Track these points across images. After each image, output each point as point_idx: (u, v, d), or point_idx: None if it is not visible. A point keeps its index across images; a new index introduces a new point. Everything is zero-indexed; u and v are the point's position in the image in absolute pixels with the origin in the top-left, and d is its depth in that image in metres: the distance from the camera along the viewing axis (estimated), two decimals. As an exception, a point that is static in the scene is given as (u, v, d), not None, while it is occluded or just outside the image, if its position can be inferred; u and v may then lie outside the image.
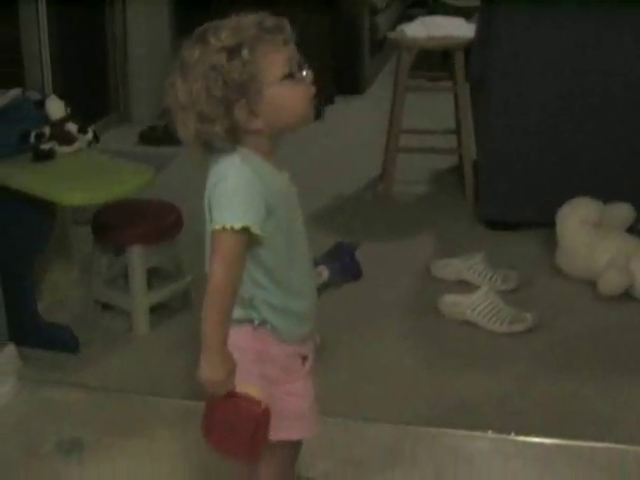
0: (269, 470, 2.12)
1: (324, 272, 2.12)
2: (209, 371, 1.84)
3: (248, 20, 1.85)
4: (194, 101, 1.83)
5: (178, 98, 1.85)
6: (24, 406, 3.05)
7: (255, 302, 1.97)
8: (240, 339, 1.97)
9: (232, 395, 1.88)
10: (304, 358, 2.07)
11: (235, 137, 1.86)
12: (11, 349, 3.15)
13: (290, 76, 1.86)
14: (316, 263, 2.13)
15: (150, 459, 2.76)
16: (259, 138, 1.89)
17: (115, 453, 2.79)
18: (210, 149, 1.90)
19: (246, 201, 1.83)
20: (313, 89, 1.90)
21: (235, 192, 1.84)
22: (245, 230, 1.81)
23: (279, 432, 2.01)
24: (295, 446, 2.17)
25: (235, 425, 1.91)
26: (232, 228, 1.80)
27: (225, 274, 1.83)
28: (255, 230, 1.82)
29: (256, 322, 1.98)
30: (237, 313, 1.96)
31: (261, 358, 2.00)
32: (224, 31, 1.84)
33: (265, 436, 1.92)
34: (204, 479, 2.68)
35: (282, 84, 1.85)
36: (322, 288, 2.11)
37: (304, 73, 1.89)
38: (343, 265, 2.11)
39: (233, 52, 1.81)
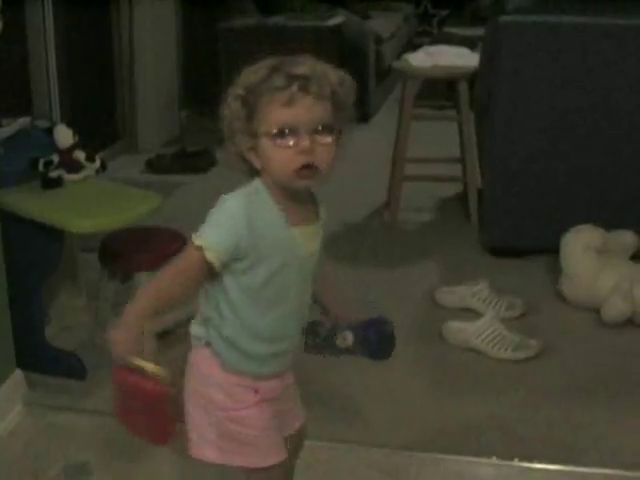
0: None
1: (348, 337, 2.08)
2: (113, 332, 1.91)
3: (265, 68, 1.88)
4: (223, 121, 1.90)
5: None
6: (31, 431, 3.06)
7: (208, 323, 2.01)
8: (192, 354, 2.06)
9: (132, 368, 1.90)
10: (255, 390, 2.04)
11: (247, 164, 1.90)
12: (18, 375, 3.17)
13: (279, 136, 1.82)
14: (348, 326, 2.10)
15: (157, 484, 2.78)
16: (269, 179, 1.90)
17: (122, 478, 2.80)
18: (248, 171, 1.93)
19: (218, 228, 1.86)
20: (303, 159, 1.83)
21: (217, 216, 1.87)
22: (199, 249, 1.85)
23: (226, 455, 2.05)
24: (274, 472, 2.10)
25: (131, 399, 1.94)
26: (192, 242, 1.86)
27: (168, 276, 1.93)
28: (209, 256, 1.85)
29: (203, 341, 2.02)
30: (194, 329, 2.05)
31: (205, 378, 2.02)
32: (243, 74, 1.89)
33: (165, 418, 1.94)
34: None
35: (269, 141, 1.84)
36: (344, 352, 2.10)
37: (299, 141, 1.82)
38: (365, 339, 2.06)
39: (244, 98, 1.86)
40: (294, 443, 2.21)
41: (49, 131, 3.46)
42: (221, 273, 1.91)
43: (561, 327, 3.81)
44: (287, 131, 1.82)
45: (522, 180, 4.38)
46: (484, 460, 2.90)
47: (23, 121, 3.48)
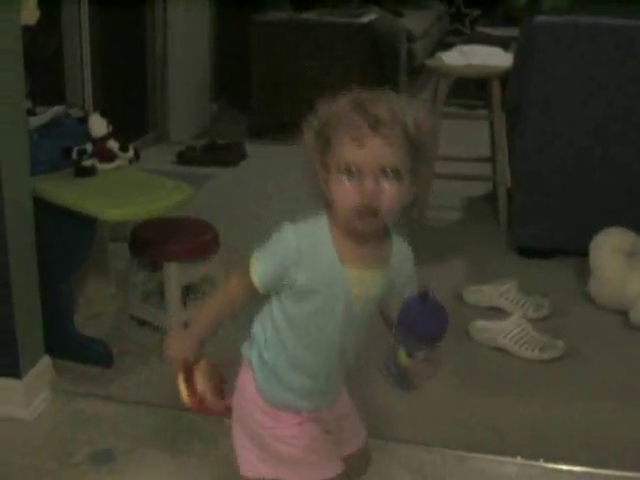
0: None
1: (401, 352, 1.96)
2: (166, 346, 2.08)
3: (344, 103, 1.84)
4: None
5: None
6: (57, 417, 3.08)
7: (253, 343, 2.01)
8: (240, 372, 2.06)
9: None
10: (298, 412, 2.02)
11: (320, 196, 1.89)
12: (46, 361, 3.19)
13: (345, 173, 1.80)
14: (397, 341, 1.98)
15: (181, 473, 2.79)
16: (336, 215, 1.88)
17: (146, 466, 2.82)
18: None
19: (270, 255, 1.90)
20: (363, 200, 1.79)
21: (273, 242, 1.90)
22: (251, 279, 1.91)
23: (277, 471, 2.04)
24: None
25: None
26: (250, 269, 1.91)
27: (226, 287, 2.00)
28: (255, 280, 1.91)
29: (246, 359, 2.03)
30: (244, 346, 2.05)
31: (247, 395, 2.03)
32: (321, 106, 1.86)
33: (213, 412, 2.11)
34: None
35: (337, 176, 1.81)
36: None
37: (364, 181, 1.79)
38: (408, 333, 1.91)
39: (321, 129, 1.84)
40: (355, 464, 2.17)
41: (83, 120, 3.47)
42: (272, 297, 1.94)
43: (588, 329, 3.80)
44: (354, 170, 1.79)
45: (552, 181, 4.38)
46: (508, 459, 2.90)
47: (57, 110, 3.49)
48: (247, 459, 2.08)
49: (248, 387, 2.02)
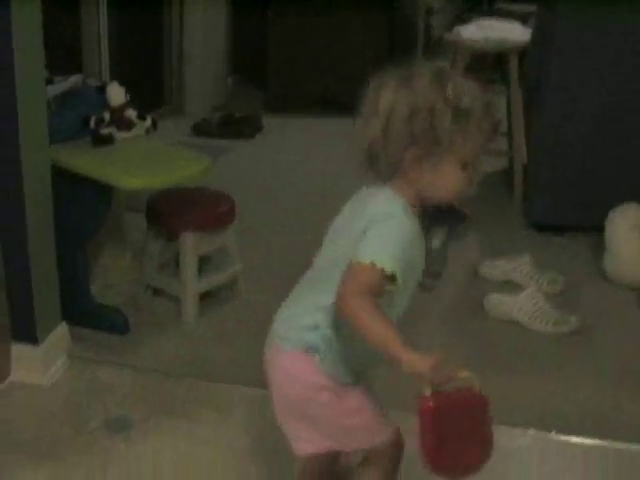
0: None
1: (440, 230, 2.11)
2: (407, 366, 1.78)
3: (485, 100, 1.88)
4: (391, 113, 1.85)
5: (379, 100, 1.87)
6: (74, 384, 3.11)
7: (318, 331, 1.97)
8: (287, 360, 2.03)
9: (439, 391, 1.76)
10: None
11: (394, 170, 1.89)
12: (63, 328, 3.21)
13: (465, 166, 1.88)
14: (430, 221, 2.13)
15: (196, 441, 2.81)
16: (404, 185, 1.91)
17: (161, 433, 2.84)
18: (370, 165, 1.92)
19: (401, 251, 1.84)
20: (472, 182, 1.92)
21: (396, 237, 1.85)
22: (391, 277, 1.82)
23: (340, 443, 2.11)
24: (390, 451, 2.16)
25: (452, 422, 1.78)
26: (382, 269, 1.81)
27: (363, 299, 1.81)
28: (398, 280, 1.83)
29: (306, 347, 1.98)
30: (294, 332, 2.00)
31: (309, 383, 2.02)
32: (466, 94, 1.85)
33: (491, 425, 1.86)
34: (248, 463, 2.71)
35: (457, 168, 1.87)
36: (444, 247, 2.11)
37: (471, 174, 1.91)
38: (451, 215, 2.12)
39: (458, 116, 1.83)
40: None
41: (101, 89, 3.47)
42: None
43: (602, 305, 3.81)
44: (469, 165, 1.89)
45: (569, 157, 4.37)
46: (521, 431, 2.91)
47: (75, 79, 3.50)
48: (308, 438, 2.10)
49: (307, 373, 2.00)
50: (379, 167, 1.90)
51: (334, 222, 2.03)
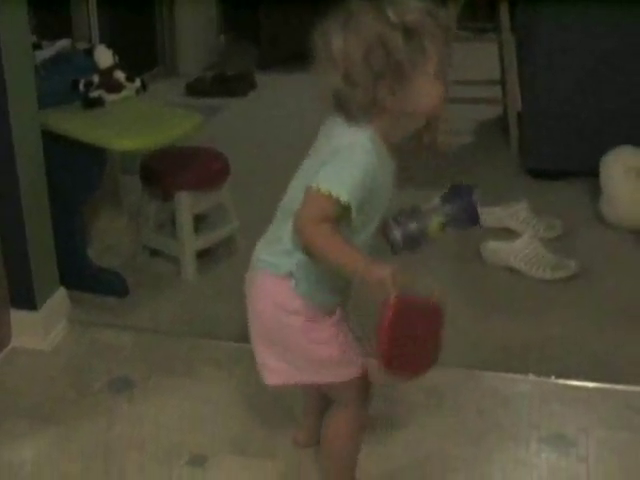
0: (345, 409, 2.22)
1: (440, 211, 2.09)
2: (377, 273, 1.82)
3: (426, 9, 1.86)
4: (346, 60, 1.85)
5: (331, 49, 1.87)
6: (75, 347, 3.12)
7: (293, 256, 2.00)
8: (263, 281, 2.07)
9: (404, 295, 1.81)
10: (332, 312, 2.09)
11: (368, 110, 1.89)
12: (62, 293, 3.22)
13: (437, 74, 1.89)
14: (441, 204, 2.13)
15: (197, 398, 2.83)
16: (383, 120, 1.92)
17: (163, 392, 2.86)
18: (341, 110, 1.92)
19: (361, 183, 1.86)
20: (445, 90, 1.93)
21: (355, 168, 1.87)
22: (345, 207, 1.85)
23: (314, 376, 2.13)
24: (357, 386, 2.18)
25: (411, 326, 1.85)
26: (337, 198, 1.84)
27: (319, 225, 1.87)
28: (353, 213, 1.87)
29: (283, 271, 2.02)
30: (270, 256, 2.05)
31: (284, 306, 2.04)
32: (408, 12, 1.84)
33: (441, 335, 1.95)
34: (250, 419, 2.74)
35: (430, 80, 1.88)
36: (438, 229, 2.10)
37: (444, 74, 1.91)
38: (458, 208, 2.07)
39: (409, 35, 1.83)
40: None
41: (89, 52, 3.46)
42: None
43: (600, 248, 3.81)
44: (442, 69, 1.90)
45: (563, 102, 4.36)
46: (520, 377, 2.93)
47: (63, 43, 3.49)
48: (275, 368, 2.13)
49: (280, 293, 2.03)
50: (352, 112, 1.90)
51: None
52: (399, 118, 1.93)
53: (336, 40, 1.86)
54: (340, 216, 1.87)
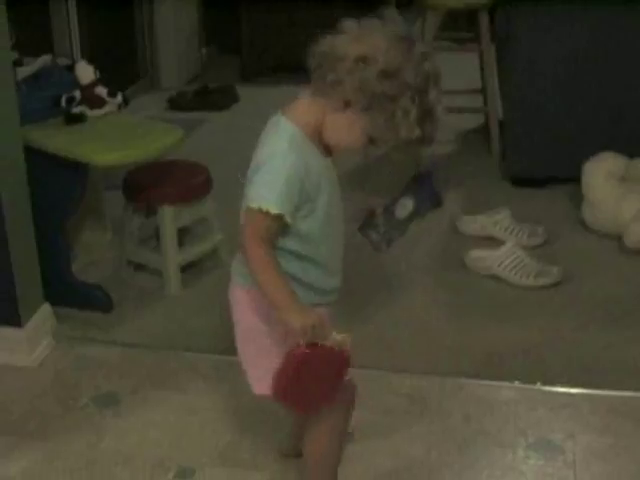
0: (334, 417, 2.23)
1: (409, 203, 2.20)
2: (297, 321, 1.89)
3: (421, 69, 1.89)
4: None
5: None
6: (60, 363, 3.12)
7: None
8: (243, 295, 2.10)
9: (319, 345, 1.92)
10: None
11: (327, 94, 1.92)
12: (47, 308, 3.22)
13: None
14: (403, 194, 2.24)
15: (184, 411, 2.84)
16: (320, 113, 1.96)
17: (149, 406, 2.87)
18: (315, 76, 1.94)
19: (287, 189, 1.89)
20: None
21: (278, 177, 1.90)
22: (279, 216, 1.89)
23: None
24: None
25: (313, 371, 1.95)
26: (268, 212, 1.88)
27: (257, 249, 1.91)
28: (287, 219, 1.90)
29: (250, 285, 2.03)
30: (242, 271, 2.06)
31: (266, 312, 2.04)
32: (393, 54, 1.88)
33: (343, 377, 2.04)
34: (236, 431, 2.74)
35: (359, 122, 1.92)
36: (408, 219, 2.21)
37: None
38: (426, 194, 2.20)
39: (388, 76, 1.86)
40: None
41: (70, 68, 3.47)
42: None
43: (583, 254, 3.83)
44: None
45: (543, 110, 4.38)
46: (506, 384, 2.94)
47: (44, 59, 3.49)
48: (260, 377, 2.12)
49: (262, 304, 2.03)
50: (318, 84, 1.93)
51: None
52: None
53: (340, 44, 1.90)
54: (280, 227, 1.93)
